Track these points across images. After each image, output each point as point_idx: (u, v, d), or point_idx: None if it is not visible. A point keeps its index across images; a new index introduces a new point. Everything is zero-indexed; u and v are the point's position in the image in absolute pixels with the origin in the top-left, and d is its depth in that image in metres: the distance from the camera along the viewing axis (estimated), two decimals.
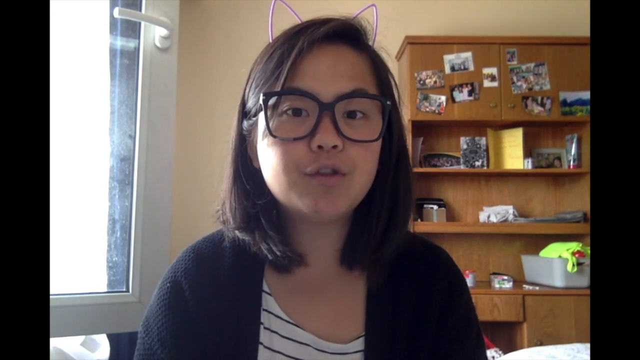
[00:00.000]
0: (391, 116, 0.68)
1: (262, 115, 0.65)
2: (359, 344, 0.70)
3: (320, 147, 0.62)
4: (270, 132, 0.64)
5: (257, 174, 0.70)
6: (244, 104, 0.71)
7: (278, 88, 0.64)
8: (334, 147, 0.62)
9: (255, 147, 0.69)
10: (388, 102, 0.67)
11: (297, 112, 0.64)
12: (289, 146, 0.64)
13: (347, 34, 0.68)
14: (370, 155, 0.66)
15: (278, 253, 0.69)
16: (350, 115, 0.65)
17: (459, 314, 0.73)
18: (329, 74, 0.65)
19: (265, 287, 0.73)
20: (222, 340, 0.70)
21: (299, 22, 0.71)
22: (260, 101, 0.65)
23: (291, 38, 0.67)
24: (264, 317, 0.71)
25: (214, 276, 0.73)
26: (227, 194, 0.71)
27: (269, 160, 0.66)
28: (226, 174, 0.72)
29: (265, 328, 0.71)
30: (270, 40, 0.71)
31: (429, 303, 0.72)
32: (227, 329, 0.70)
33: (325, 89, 0.64)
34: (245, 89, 0.71)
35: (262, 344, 0.70)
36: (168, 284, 0.73)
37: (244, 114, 0.71)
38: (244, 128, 0.70)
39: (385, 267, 0.72)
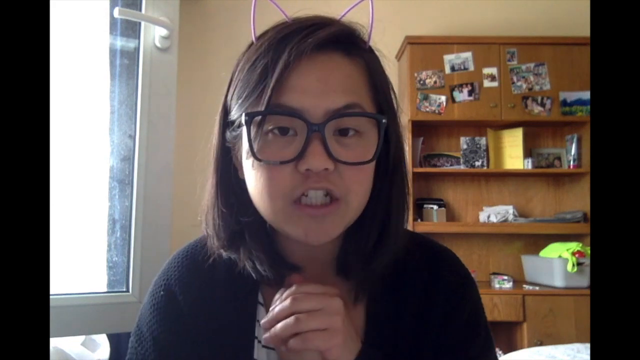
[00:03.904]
0: (388, 130, 0.64)
1: (245, 132, 0.60)
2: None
3: (308, 169, 0.58)
4: (254, 155, 0.59)
5: (242, 186, 0.65)
6: (225, 112, 0.65)
7: (262, 105, 0.58)
8: (325, 169, 0.58)
9: (240, 160, 0.65)
10: (384, 120, 0.61)
11: (283, 131, 0.59)
12: (275, 170, 0.59)
13: (340, 41, 0.62)
14: (365, 176, 0.62)
15: (263, 273, 0.66)
16: (342, 132, 0.60)
17: (463, 317, 0.69)
18: (319, 88, 0.59)
19: (260, 299, 0.70)
20: (216, 352, 0.67)
21: (285, 18, 0.65)
22: (243, 121, 0.59)
23: (276, 45, 0.60)
24: (258, 330, 0.68)
25: (208, 286, 0.70)
26: (210, 209, 0.67)
27: (254, 182, 0.61)
28: (208, 185, 0.68)
29: (258, 341, 0.68)
30: (254, 40, 0.65)
31: (432, 308, 0.68)
32: (221, 341, 0.68)
33: (315, 106, 0.58)
34: (226, 96, 0.66)
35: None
36: (162, 292, 0.70)
37: (227, 123, 0.65)
38: (227, 139, 0.66)
39: (378, 279, 0.68)
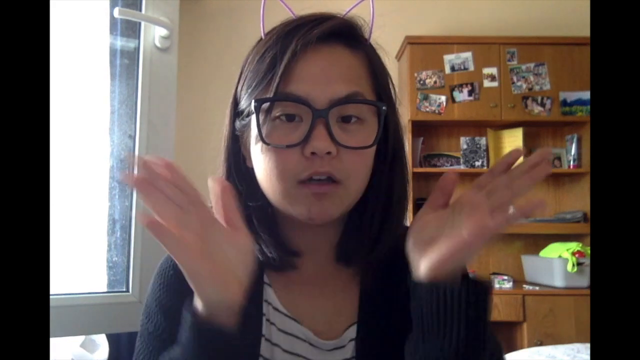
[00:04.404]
0: (387, 118, 0.68)
1: (254, 118, 0.65)
2: (353, 332, 0.70)
3: (313, 153, 0.62)
4: (262, 139, 0.63)
5: (250, 174, 0.69)
6: (236, 102, 0.70)
7: (270, 92, 0.63)
8: (328, 153, 0.62)
9: (249, 148, 0.69)
10: (384, 108, 0.65)
11: (290, 117, 0.64)
12: (282, 153, 0.63)
13: (342, 34, 0.66)
14: (364, 161, 0.66)
15: (269, 255, 0.69)
16: (345, 119, 0.65)
17: None
18: (322, 77, 0.63)
19: (265, 279, 0.73)
20: None
21: (292, 16, 0.69)
22: (252, 107, 0.64)
23: (284, 38, 0.65)
24: (265, 308, 0.71)
25: None
26: None
27: (262, 166, 0.65)
28: (218, 173, 0.72)
29: (266, 320, 0.70)
30: (262, 36, 0.69)
31: None
32: None
33: (319, 94, 0.63)
34: (237, 87, 0.70)
35: (263, 336, 0.70)
36: (171, 272, 0.72)
37: (237, 113, 0.70)
38: (237, 128, 0.70)
39: (380, 266, 0.71)
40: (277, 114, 0.64)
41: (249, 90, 0.66)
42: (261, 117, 0.64)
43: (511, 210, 0.56)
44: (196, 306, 0.58)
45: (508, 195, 0.58)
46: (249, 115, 0.67)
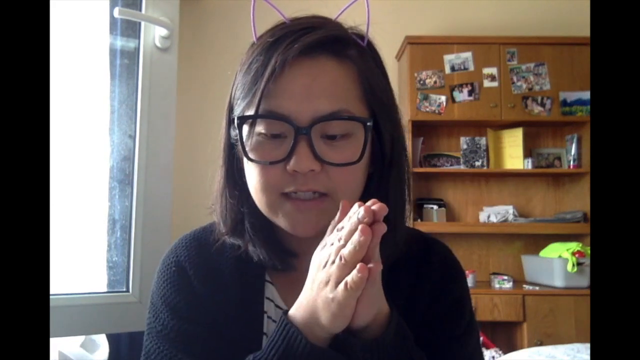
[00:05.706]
0: (381, 127, 0.67)
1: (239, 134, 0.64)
2: None
3: (296, 171, 0.62)
4: (246, 155, 0.64)
5: (244, 179, 0.69)
6: (231, 108, 0.69)
7: (253, 108, 0.63)
8: (312, 170, 0.62)
9: (241, 155, 0.69)
10: (368, 124, 0.64)
11: (274, 133, 0.64)
12: (266, 169, 0.64)
13: (328, 44, 0.64)
14: (352, 175, 0.65)
15: (262, 257, 0.69)
16: (331, 134, 0.64)
17: (449, 299, 0.73)
18: (305, 94, 0.62)
19: (267, 277, 0.73)
20: (227, 327, 0.70)
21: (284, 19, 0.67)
22: (235, 124, 0.64)
23: (267, 50, 0.64)
24: (267, 305, 0.71)
25: (216, 265, 0.72)
26: (218, 198, 0.72)
27: (250, 177, 0.66)
28: (217, 176, 0.72)
29: (268, 317, 0.71)
30: (255, 39, 0.68)
31: (421, 288, 0.72)
32: (231, 316, 0.70)
33: (301, 111, 0.62)
34: (231, 93, 0.70)
35: (265, 334, 0.70)
36: (173, 268, 0.73)
37: (232, 120, 0.69)
38: (232, 136, 0.69)
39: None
40: (262, 130, 0.64)
41: (238, 101, 0.66)
42: (245, 133, 0.64)
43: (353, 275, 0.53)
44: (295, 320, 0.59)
45: (341, 266, 0.55)
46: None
